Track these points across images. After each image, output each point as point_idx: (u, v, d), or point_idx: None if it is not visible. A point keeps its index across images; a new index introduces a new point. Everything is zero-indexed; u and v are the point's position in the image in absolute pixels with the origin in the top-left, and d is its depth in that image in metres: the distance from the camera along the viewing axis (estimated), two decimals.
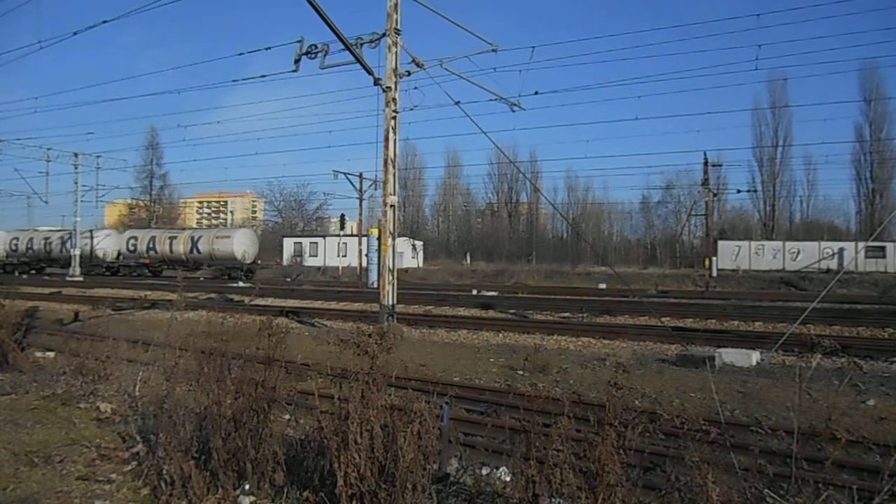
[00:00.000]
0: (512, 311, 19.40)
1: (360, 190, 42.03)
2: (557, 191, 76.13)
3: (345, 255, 48.46)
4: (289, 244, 60.52)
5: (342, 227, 48.11)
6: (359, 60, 14.15)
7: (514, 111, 18.56)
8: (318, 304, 22.04)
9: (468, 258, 63.09)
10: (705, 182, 40.15)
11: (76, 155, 41.78)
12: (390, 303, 14.68)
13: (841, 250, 44.57)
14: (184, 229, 48.05)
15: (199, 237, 42.03)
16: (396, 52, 14.59)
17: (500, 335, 14.32)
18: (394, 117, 14.61)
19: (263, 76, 32.42)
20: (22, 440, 5.37)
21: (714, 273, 37.24)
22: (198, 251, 41.11)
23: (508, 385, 8.77)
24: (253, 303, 19.29)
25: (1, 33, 77.38)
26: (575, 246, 65.73)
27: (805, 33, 48.59)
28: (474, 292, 26.83)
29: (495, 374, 9.96)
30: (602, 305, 19.75)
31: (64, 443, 5.30)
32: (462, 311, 19.31)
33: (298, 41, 14.28)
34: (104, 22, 16.86)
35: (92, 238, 44.80)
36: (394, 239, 14.77)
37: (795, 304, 19.03)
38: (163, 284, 28.90)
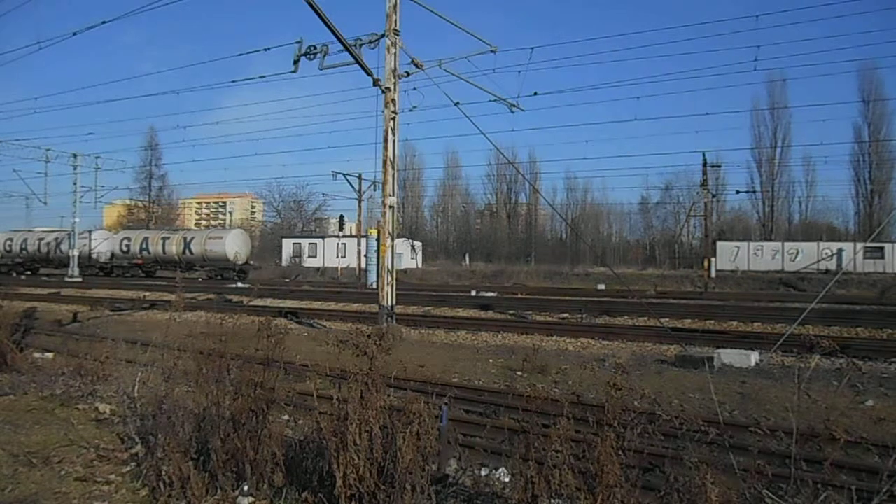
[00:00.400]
0: (511, 311, 19.40)
1: (360, 191, 42.05)
2: (556, 191, 76.57)
3: (344, 256, 48.47)
4: (288, 245, 60.49)
5: (341, 228, 48.08)
6: (358, 61, 14.16)
7: (513, 112, 18.61)
8: (317, 304, 22.03)
9: (467, 259, 63.09)
10: (704, 183, 40.21)
11: (75, 156, 41.81)
12: (389, 303, 14.68)
13: (840, 251, 44.66)
14: (176, 230, 48.05)
15: (192, 238, 42.12)
16: (395, 53, 14.59)
17: (499, 336, 14.32)
18: (393, 118, 14.61)
19: (263, 77, 32.64)
20: (20, 441, 5.37)
21: (713, 274, 37.27)
22: (190, 252, 41.20)
23: (507, 386, 8.75)
24: (252, 303, 19.29)
25: (1, 33, 77.42)
26: (574, 247, 65.84)
27: (804, 34, 48.59)
28: (473, 293, 26.82)
29: (494, 375, 9.95)
30: (601, 306, 19.74)
31: (62, 444, 5.30)
32: (461, 312, 19.30)
33: (297, 42, 14.31)
34: (104, 22, 16.90)
35: (90, 239, 44.76)
36: (393, 240, 14.76)
37: (794, 304, 19.03)
38: (161, 285, 28.90)
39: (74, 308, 19.24)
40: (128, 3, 16.13)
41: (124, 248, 43.78)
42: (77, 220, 42.74)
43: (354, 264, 42.70)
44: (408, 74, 15.45)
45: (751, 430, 3.89)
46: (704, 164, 39.91)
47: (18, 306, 14.85)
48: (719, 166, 47.49)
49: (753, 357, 10.69)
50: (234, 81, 47.84)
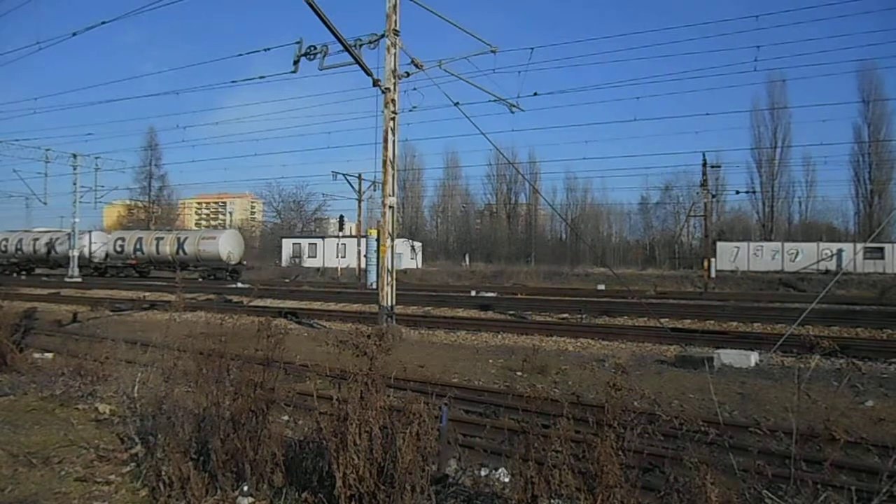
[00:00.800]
0: (511, 312, 19.40)
1: (359, 191, 42.06)
2: (556, 192, 76.49)
3: (344, 256, 48.49)
4: (288, 245, 60.51)
5: (341, 228, 48.08)
6: (358, 61, 14.16)
7: (513, 112, 18.61)
8: (316, 305, 22.03)
9: (467, 259, 63.08)
10: (704, 183, 40.21)
11: (75, 156, 41.79)
12: (389, 304, 14.68)
13: (839, 251, 44.68)
14: (170, 230, 48.07)
15: (185, 238, 42.20)
16: (395, 53, 14.59)
17: (499, 336, 14.32)
18: (393, 118, 14.61)
19: (263, 77, 32.59)
20: (20, 441, 5.37)
21: (713, 274, 37.28)
22: (184, 252, 41.27)
23: (507, 386, 8.75)
24: (251, 304, 19.29)
25: (1, 33, 77.43)
26: (574, 247, 65.86)
27: (804, 35, 48.55)
28: (473, 293, 26.81)
29: (494, 375, 9.95)
30: (601, 306, 19.75)
31: (62, 444, 5.30)
32: (461, 312, 19.30)
33: (297, 42, 14.30)
34: (103, 23, 16.89)
35: (90, 240, 44.77)
36: (392, 240, 14.76)
37: (794, 305, 19.03)
38: (160, 285, 28.90)
39: (74, 308, 19.25)
40: (128, 3, 16.14)
41: (118, 249, 43.85)
42: (77, 220, 42.78)
43: (354, 264, 42.71)
44: (408, 74, 15.45)
45: (751, 430, 3.89)
46: (704, 165, 39.95)
47: (18, 306, 14.87)
48: (719, 166, 47.51)
49: (753, 357, 10.69)
50: (234, 81, 47.61)
